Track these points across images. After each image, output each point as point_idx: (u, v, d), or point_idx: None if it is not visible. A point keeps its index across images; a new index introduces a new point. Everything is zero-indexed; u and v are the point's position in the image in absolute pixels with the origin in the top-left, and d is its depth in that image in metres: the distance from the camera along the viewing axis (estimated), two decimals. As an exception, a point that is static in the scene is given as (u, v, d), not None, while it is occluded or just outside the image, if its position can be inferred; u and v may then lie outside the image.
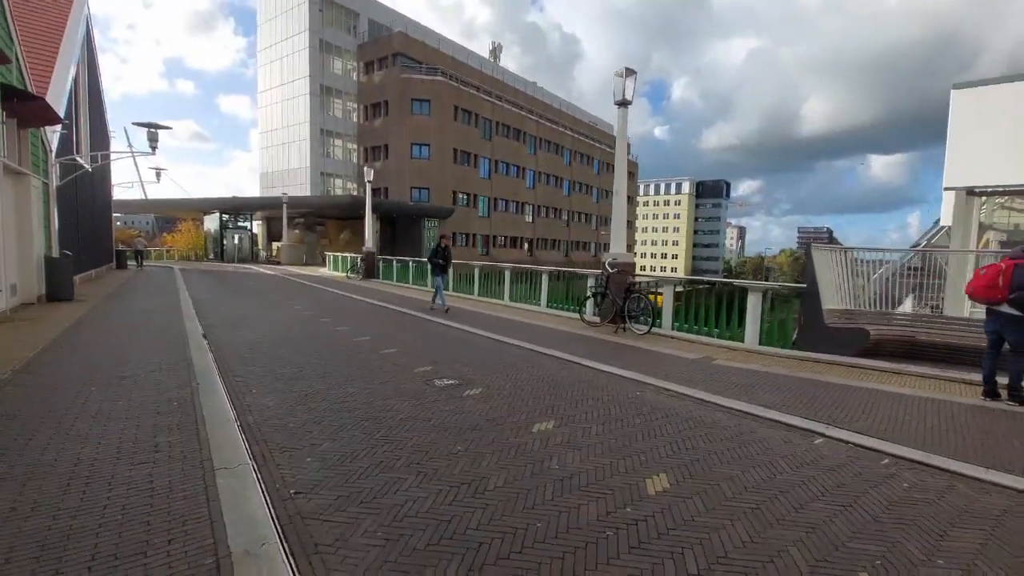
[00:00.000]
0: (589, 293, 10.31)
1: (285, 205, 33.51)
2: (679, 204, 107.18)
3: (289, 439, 3.79)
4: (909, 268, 24.05)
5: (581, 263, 56.77)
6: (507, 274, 13.74)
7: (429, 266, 11.75)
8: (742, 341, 8.16)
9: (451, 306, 11.91)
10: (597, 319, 9.64)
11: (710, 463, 3.58)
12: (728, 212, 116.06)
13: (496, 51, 59.30)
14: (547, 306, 12.21)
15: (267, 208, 37.50)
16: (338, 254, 27.50)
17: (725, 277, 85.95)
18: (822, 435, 4.24)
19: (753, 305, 8.01)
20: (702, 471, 3.44)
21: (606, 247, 51.15)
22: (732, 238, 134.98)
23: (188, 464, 3.29)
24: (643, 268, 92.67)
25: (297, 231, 40.63)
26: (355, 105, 44.03)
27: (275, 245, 40.90)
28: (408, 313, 11.23)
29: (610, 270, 9.27)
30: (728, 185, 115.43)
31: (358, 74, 43.71)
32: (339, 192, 43.96)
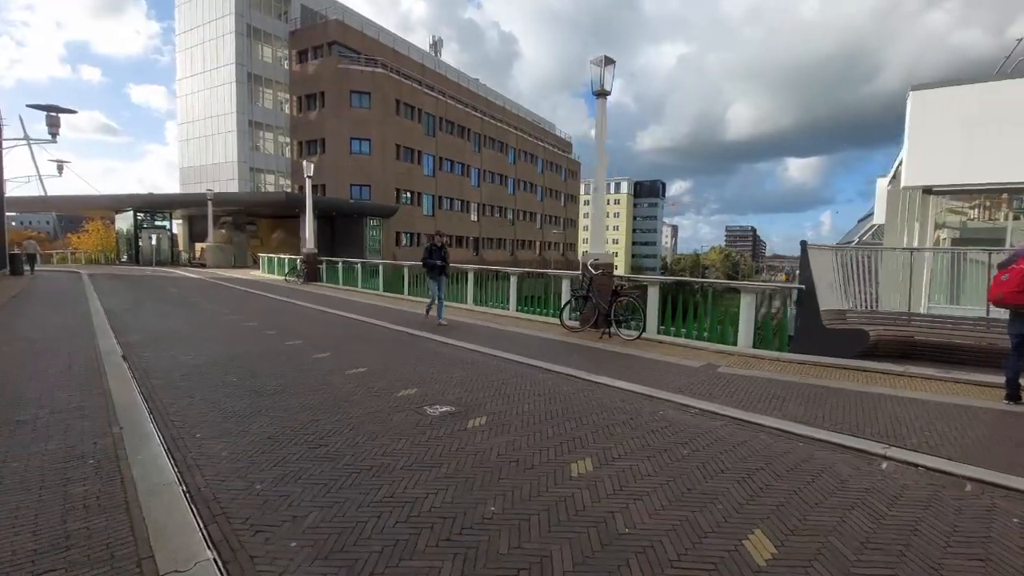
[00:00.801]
0: (569, 296, 9.66)
1: (210, 202, 30.69)
2: (618, 203, 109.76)
3: (261, 511, 2.80)
4: (840, 265, 25.05)
5: (527, 262, 56.59)
6: (471, 275, 12.86)
7: (424, 269, 9.99)
8: (735, 344, 7.79)
9: (443, 319, 9.77)
10: (577, 324, 9.01)
11: (800, 509, 2.97)
12: (664, 211, 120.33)
13: (437, 45, 57.75)
14: (518, 310, 11.46)
15: (189, 206, 34.27)
16: (273, 255, 25.40)
17: (668, 274, 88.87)
18: (883, 457, 3.78)
19: (746, 307, 7.66)
20: (799, 522, 2.82)
21: (551, 246, 51.14)
22: (667, 236, 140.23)
23: (118, 572, 2.26)
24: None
25: (224, 231, 37.46)
26: (287, 96, 41.24)
27: (199, 246, 37.47)
28: (367, 322, 10.11)
29: (593, 271, 8.66)
30: (664, 185, 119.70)
31: (290, 63, 40.95)
32: (271, 189, 41.04)
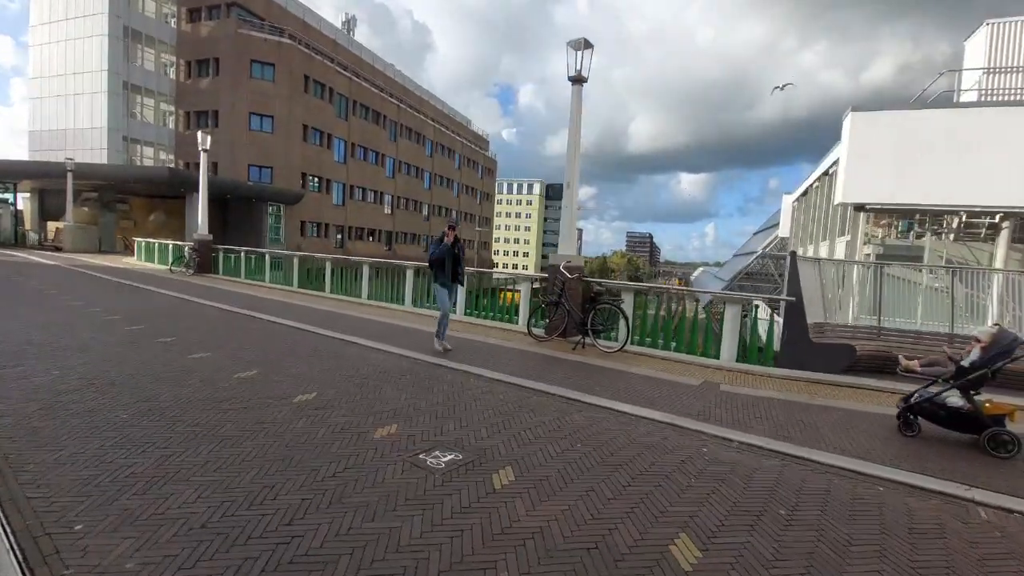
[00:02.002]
0: (534, 301, 8.66)
1: (71, 174, 25.65)
2: (530, 204, 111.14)
3: None
4: (747, 273, 26.70)
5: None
6: (409, 273, 11.43)
7: (431, 272, 7.08)
8: (717, 358, 7.34)
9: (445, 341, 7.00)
10: (543, 332, 8.09)
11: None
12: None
13: (350, 23, 53.91)
14: (466, 314, 10.30)
15: (41, 176, 28.53)
16: (153, 241, 21.69)
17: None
18: (973, 501, 3.27)
19: (731, 319, 7.23)
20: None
21: (467, 243, 49.74)
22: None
23: None
24: (498, 265, 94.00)
25: (87, 209, 31.82)
26: (173, 59, 35.95)
27: (53, 226, 31.40)
28: (293, 328, 8.41)
29: (568, 275, 7.79)
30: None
31: (179, 21, 35.72)
32: (149, 163, 35.58)
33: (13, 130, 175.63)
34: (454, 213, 61.24)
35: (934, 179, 10.82)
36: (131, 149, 34.19)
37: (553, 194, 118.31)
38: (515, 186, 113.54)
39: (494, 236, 79.05)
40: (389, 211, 48.77)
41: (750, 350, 7.30)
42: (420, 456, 3.47)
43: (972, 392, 4.26)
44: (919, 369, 4.68)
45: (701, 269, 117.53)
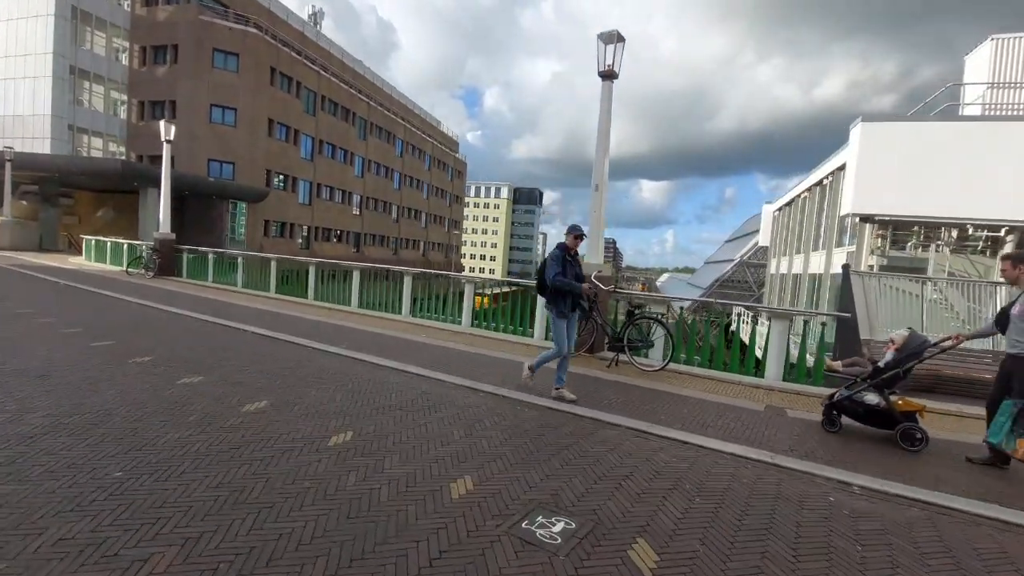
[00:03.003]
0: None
1: (9, 164, 23.31)
2: (498, 208, 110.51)
3: None
4: (724, 281, 26.82)
5: (410, 262, 53.59)
6: (407, 280, 10.54)
7: (547, 295, 5.40)
8: (762, 377, 6.85)
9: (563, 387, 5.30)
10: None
11: None
12: (540, 219, 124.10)
13: (316, 16, 52.02)
14: (473, 325, 9.51)
15: (-29, 166, 25.81)
16: (105, 239, 19.79)
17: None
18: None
19: (778, 335, 6.75)
20: None
21: (436, 246, 49.11)
22: (539, 243, 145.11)
23: None
24: (471, 269, 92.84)
25: (26, 203, 29.07)
26: (126, 44, 33.47)
27: (-15, 220, 28.59)
28: (292, 343, 7.43)
29: (601, 286, 7.16)
30: (541, 194, 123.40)
31: (133, 3, 33.30)
32: (97, 154, 32.95)
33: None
34: (423, 214, 59.96)
35: (942, 191, 10.80)
36: (77, 139, 31.58)
37: (521, 198, 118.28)
38: (482, 189, 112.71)
39: (465, 240, 77.96)
40: (357, 212, 47.11)
41: (798, 368, 6.85)
42: (523, 525, 2.73)
43: (887, 390, 4.61)
44: (841, 369, 5.06)
45: (668, 275, 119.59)
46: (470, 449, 3.76)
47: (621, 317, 7.97)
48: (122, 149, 33.72)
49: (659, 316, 7.11)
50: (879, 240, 12.53)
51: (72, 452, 3.25)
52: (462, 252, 79.50)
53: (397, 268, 10.97)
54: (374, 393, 5.03)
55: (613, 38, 7.49)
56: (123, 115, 33.89)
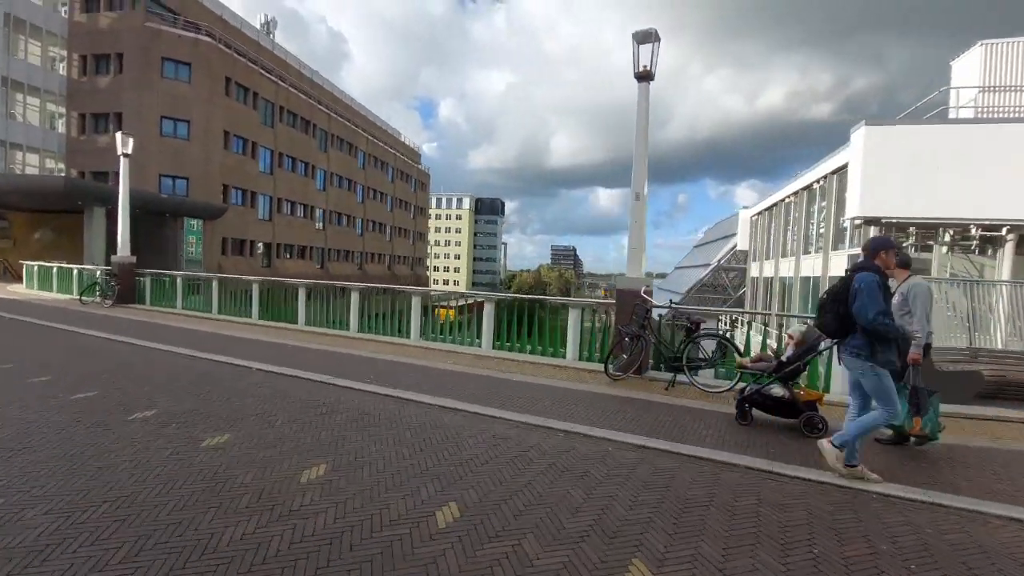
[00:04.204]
0: (615, 335, 7.10)
1: (-71, 183, 20.84)
2: (460, 219, 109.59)
3: None
4: (708, 285, 26.91)
5: (376, 276, 51.97)
6: (415, 301, 9.69)
7: (853, 345, 3.83)
8: (827, 391, 6.47)
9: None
10: (619, 371, 6.80)
11: None
12: (502, 229, 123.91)
13: (269, 25, 50.06)
14: (495, 347, 8.78)
15: None
16: (51, 265, 17.84)
17: (505, 290, 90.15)
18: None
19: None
20: None
21: (401, 260, 47.93)
22: (502, 254, 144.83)
23: None
24: (435, 282, 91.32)
25: (-51, 226, 26.28)
26: (63, 52, 30.94)
27: (-100, 247, 25.58)
28: (310, 381, 6.52)
29: (652, 301, 6.61)
30: (503, 204, 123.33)
31: (71, 10, 30.85)
32: (32, 171, 30.16)
33: None
34: (388, 228, 58.46)
35: (945, 192, 10.92)
36: (9, 156, 28.80)
37: (483, 208, 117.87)
38: (443, 200, 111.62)
39: (430, 252, 76.57)
40: (321, 226, 45.31)
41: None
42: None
43: (790, 382, 5.00)
44: (750, 365, 5.48)
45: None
46: (603, 516, 3.08)
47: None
48: (61, 165, 31.03)
49: (724, 334, 6.63)
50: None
51: (101, 569, 2.38)
52: (428, 265, 78.06)
53: (401, 288, 10.14)
54: (447, 443, 4.26)
55: (649, 37, 7.04)
56: (61, 129, 31.24)
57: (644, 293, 6.70)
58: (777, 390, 4.99)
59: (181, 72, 31.28)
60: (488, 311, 8.84)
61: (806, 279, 16.36)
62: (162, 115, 30.62)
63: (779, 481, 3.74)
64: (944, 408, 5.55)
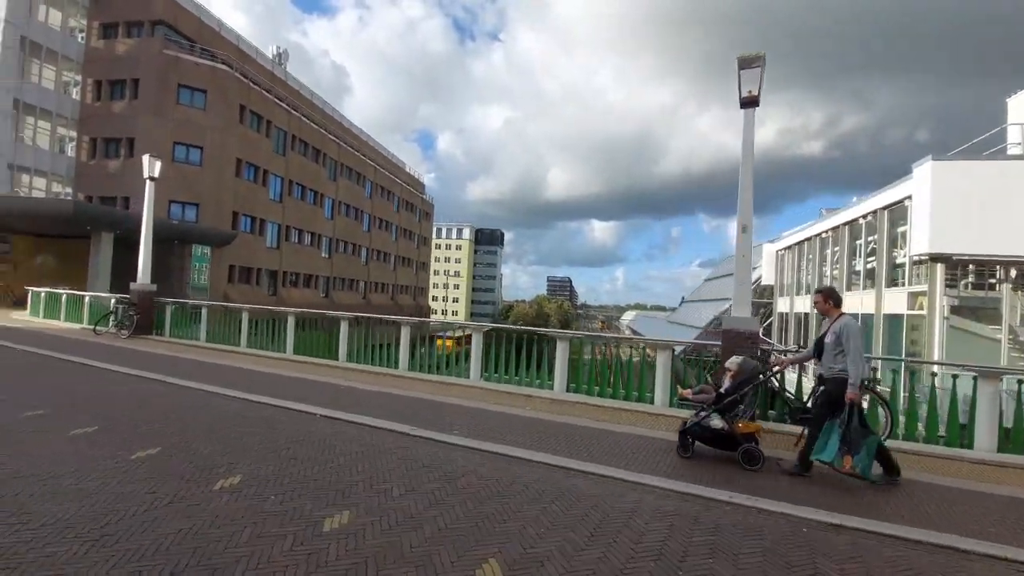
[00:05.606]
0: (705, 392, 6.33)
1: (-66, 205, 20.07)
2: (460, 249, 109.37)
3: None
4: (721, 320, 26.22)
5: (380, 306, 51.09)
6: (476, 338, 8.93)
7: None
8: (970, 447, 5.75)
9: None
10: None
11: None
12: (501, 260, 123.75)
13: (282, 56, 50.65)
14: (569, 390, 8.01)
15: None
16: (61, 292, 16.94)
17: (500, 321, 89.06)
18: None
19: (989, 396, 5.70)
20: None
21: (404, 290, 47.33)
22: (499, 285, 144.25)
23: None
24: (435, 312, 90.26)
25: (-52, 250, 25.36)
26: (78, 77, 30.73)
27: None
28: (391, 432, 5.73)
29: (771, 343, 5.91)
30: (503, 234, 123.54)
31: (88, 36, 30.81)
32: (40, 194, 29.46)
33: None
34: (392, 257, 57.84)
35: (1016, 228, 10.47)
36: (17, 179, 28.16)
37: (483, 239, 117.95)
38: (443, 230, 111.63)
39: (431, 282, 75.85)
40: (327, 255, 44.66)
41: (1014, 435, 5.76)
42: None
43: (728, 415, 4.94)
44: (691, 397, 5.39)
45: (636, 313, 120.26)
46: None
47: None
48: (68, 190, 30.40)
49: (868, 382, 5.90)
50: (948, 280, 12.13)
51: None
52: (430, 295, 77.20)
53: (465, 323, 9.41)
54: (624, 531, 3.48)
55: (756, 61, 6.58)
56: (71, 152, 30.74)
57: (761, 338, 6.04)
58: (716, 422, 4.94)
59: (196, 99, 31.12)
60: (561, 349, 8.10)
61: (850, 315, 15.73)
62: (175, 141, 30.27)
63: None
64: None
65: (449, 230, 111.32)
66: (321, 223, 43.53)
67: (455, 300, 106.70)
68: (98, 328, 13.40)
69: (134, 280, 13.55)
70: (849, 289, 16.20)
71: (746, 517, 3.73)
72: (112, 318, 13.47)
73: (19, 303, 22.37)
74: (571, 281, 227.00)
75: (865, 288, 15.16)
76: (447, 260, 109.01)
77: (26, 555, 2.73)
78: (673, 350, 7.64)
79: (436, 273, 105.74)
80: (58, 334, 12.95)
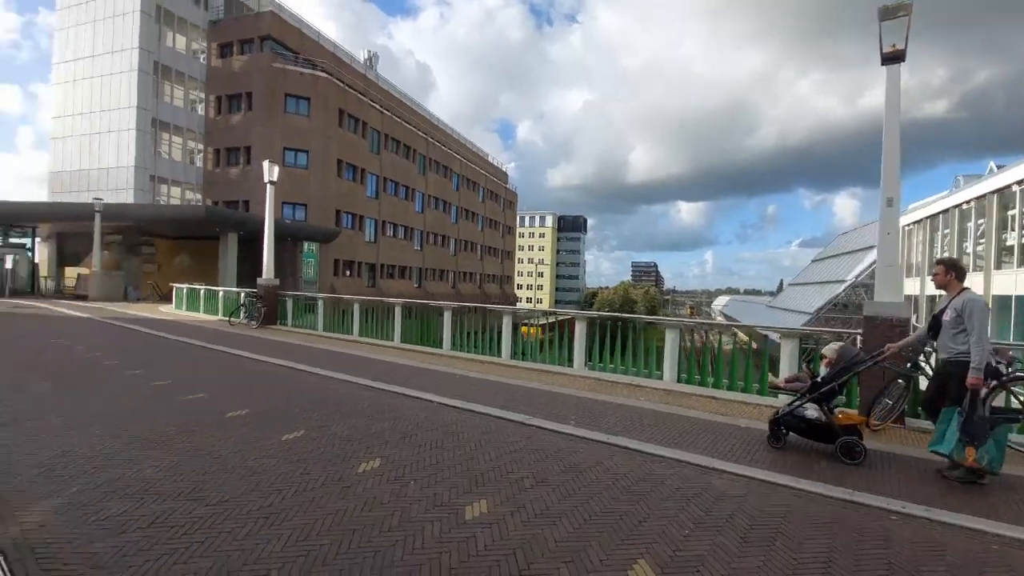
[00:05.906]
0: (887, 376, 5.55)
1: (98, 215, 23.44)
2: (543, 236, 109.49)
3: None
4: (835, 305, 23.89)
5: (468, 295, 52.53)
6: (580, 327, 8.83)
7: None
8: None
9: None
10: (879, 420, 5.43)
11: None
12: (584, 246, 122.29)
13: (372, 60, 53.18)
14: (679, 380, 7.66)
15: (64, 219, 26.32)
16: (199, 287, 19.17)
17: (589, 307, 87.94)
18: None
19: None
20: None
21: (491, 278, 47.80)
22: (583, 271, 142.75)
23: None
24: (521, 300, 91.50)
25: (109, 253, 29.52)
26: (202, 95, 34.40)
27: (74, 272, 29.11)
28: (522, 424, 5.81)
29: (922, 331, 5.20)
30: (585, 221, 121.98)
31: (209, 56, 34.33)
32: (175, 202, 33.49)
33: (20, 177, 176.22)
34: (479, 247, 59.14)
35: None
36: (157, 189, 32.16)
37: (565, 226, 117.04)
38: (527, 219, 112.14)
39: (516, 270, 76.75)
40: (418, 247, 46.61)
41: None
42: None
43: (826, 404, 4.59)
44: (783, 385, 5.15)
45: (728, 298, 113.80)
46: None
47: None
48: (198, 196, 34.23)
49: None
50: None
51: None
52: (515, 283, 78.18)
53: (573, 312, 9.32)
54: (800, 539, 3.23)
55: (902, 10, 5.77)
56: (198, 163, 34.52)
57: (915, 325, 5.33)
58: (811, 412, 4.63)
59: (301, 106, 33.57)
60: (671, 338, 7.76)
61: (1003, 297, 13.66)
62: (285, 146, 32.92)
63: None
64: None
65: (532, 218, 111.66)
66: (413, 217, 45.44)
67: (540, 287, 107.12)
68: (232, 319, 14.98)
69: (256, 275, 14.94)
70: (999, 268, 14.00)
71: (922, 530, 3.30)
72: (243, 310, 14.98)
73: (164, 298, 25.64)
74: (656, 266, 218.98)
75: (1020, 266, 13.00)
76: (531, 248, 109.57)
77: (210, 530, 3.03)
78: (800, 339, 7.02)
79: (520, 261, 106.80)
80: (200, 325, 14.62)
